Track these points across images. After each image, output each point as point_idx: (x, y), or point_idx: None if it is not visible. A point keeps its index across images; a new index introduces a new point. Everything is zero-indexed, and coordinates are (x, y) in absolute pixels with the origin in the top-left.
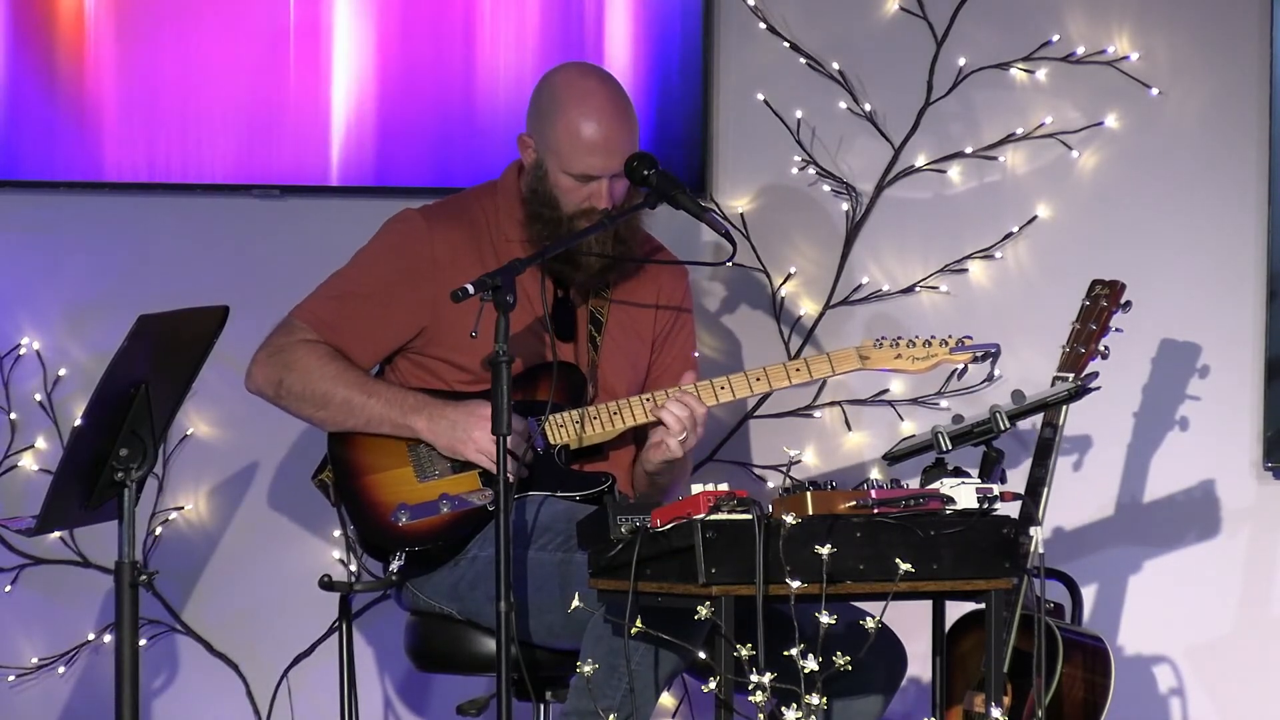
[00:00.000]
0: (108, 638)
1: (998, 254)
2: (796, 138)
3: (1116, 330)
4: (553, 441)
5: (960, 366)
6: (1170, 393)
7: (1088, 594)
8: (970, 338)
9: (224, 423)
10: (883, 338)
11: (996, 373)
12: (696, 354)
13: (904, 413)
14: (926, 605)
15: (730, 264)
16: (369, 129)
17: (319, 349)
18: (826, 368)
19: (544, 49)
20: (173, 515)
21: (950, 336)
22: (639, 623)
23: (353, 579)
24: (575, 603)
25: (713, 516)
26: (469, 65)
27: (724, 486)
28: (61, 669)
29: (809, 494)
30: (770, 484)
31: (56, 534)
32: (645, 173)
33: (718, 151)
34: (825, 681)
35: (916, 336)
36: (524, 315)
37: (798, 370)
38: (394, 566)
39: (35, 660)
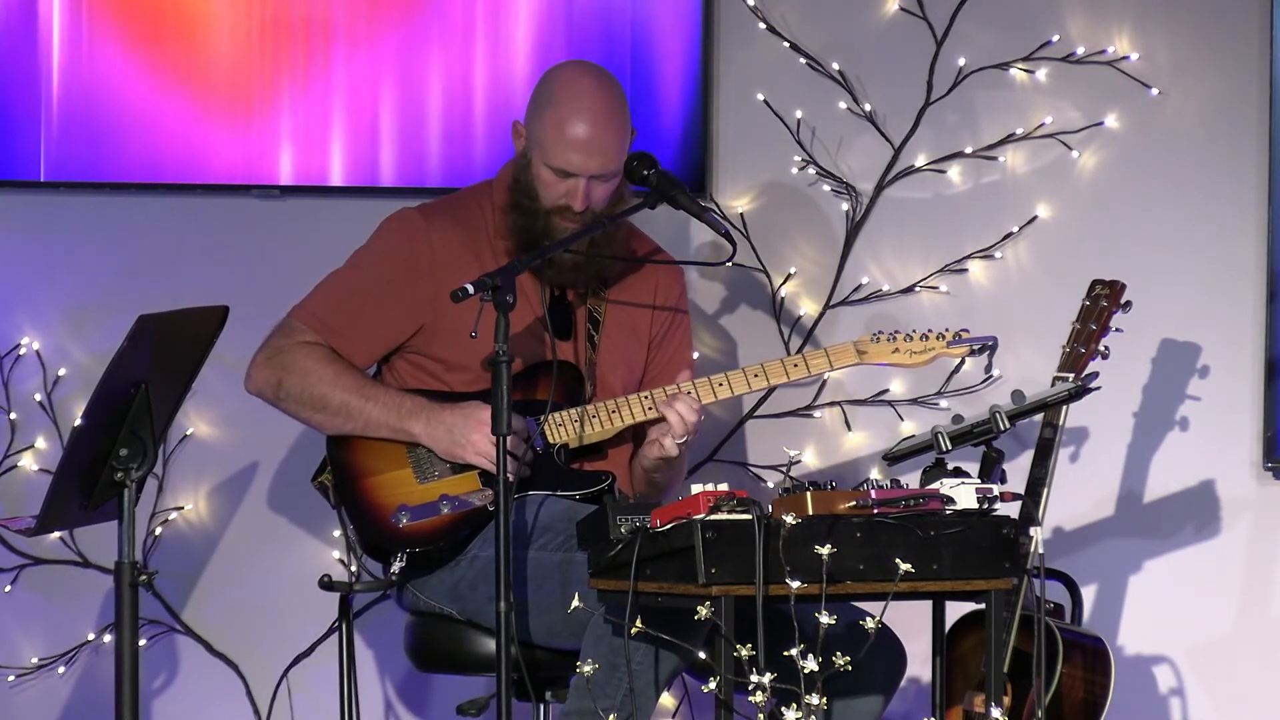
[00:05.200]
0: (108, 638)
1: (998, 254)
2: (796, 138)
3: (1116, 330)
4: (552, 441)
5: (959, 361)
6: (1170, 393)
7: (1088, 594)
8: (967, 330)
9: (224, 423)
10: (880, 332)
11: (996, 371)
12: (695, 355)
13: (904, 413)
14: (926, 605)
15: (730, 264)
16: (369, 129)
17: (317, 351)
18: (825, 363)
19: (545, 49)
20: (173, 515)
21: (948, 330)
22: (639, 623)
23: (353, 579)
24: (575, 603)
25: (713, 516)
26: (470, 65)
27: (724, 486)
28: (61, 669)
29: (809, 494)
30: (770, 484)
31: (56, 534)
32: (645, 172)
33: (718, 151)
34: (825, 681)
35: (914, 330)
36: (522, 314)
37: (796, 366)
38: (395, 568)
39: (35, 660)
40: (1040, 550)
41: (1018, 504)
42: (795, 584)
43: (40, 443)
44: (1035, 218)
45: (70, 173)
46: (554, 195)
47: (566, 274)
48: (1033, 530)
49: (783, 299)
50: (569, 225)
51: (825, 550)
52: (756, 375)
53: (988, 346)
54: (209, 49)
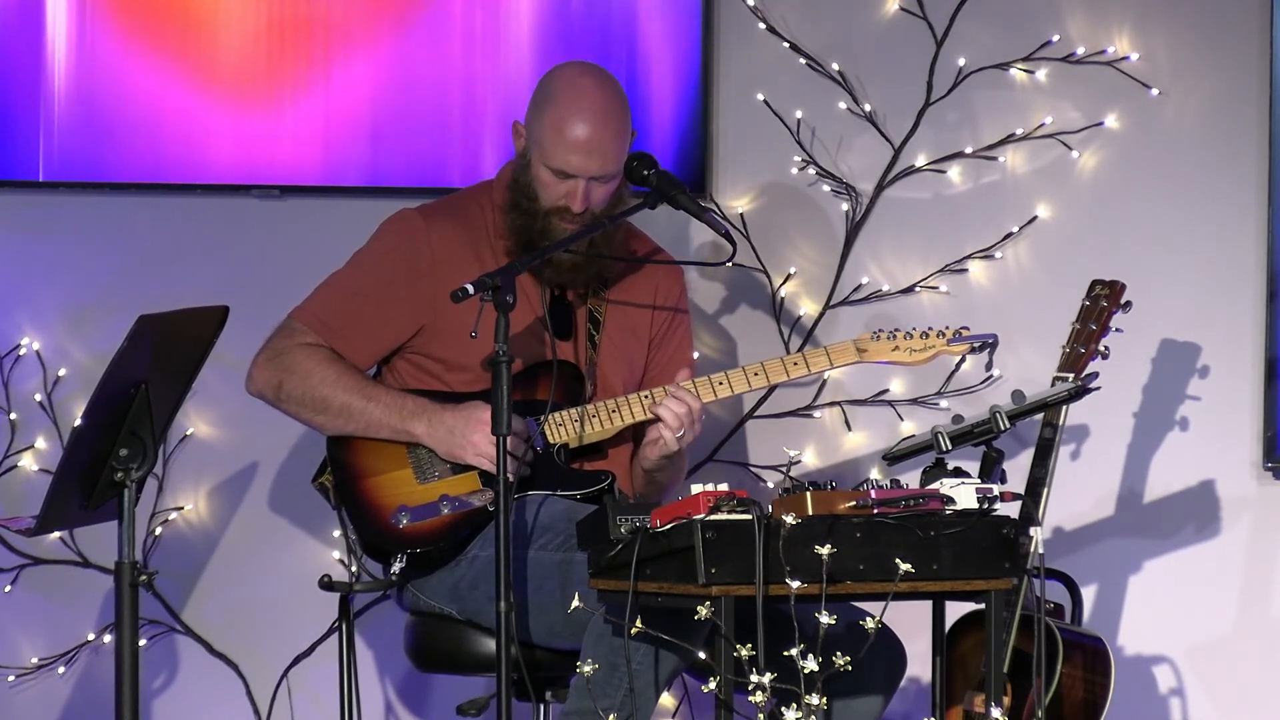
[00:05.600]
0: (108, 638)
1: (998, 254)
2: (796, 138)
3: (1116, 330)
4: (552, 441)
5: (959, 360)
6: (1170, 393)
7: (1088, 594)
8: (967, 328)
9: (224, 423)
10: (880, 330)
11: (996, 371)
12: (696, 354)
13: (904, 413)
14: (926, 605)
15: (730, 264)
16: (369, 129)
17: (318, 352)
18: (825, 361)
19: (543, 49)
20: (173, 515)
21: (948, 328)
22: (639, 623)
23: (353, 579)
24: (575, 603)
25: (713, 516)
26: (468, 65)
27: (724, 486)
28: (61, 669)
29: (809, 494)
30: (770, 484)
31: (56, 534)
32: (645, 173)
33: (718, 151)
34: (825, 681)
35: (914, 329)
36: (522, 314)
37: (795, 365)
38: (395, 568)
39: (35, 660)
40: (1040, 550)
41: (1018, 504)
42: (795, 584)
43: (40, 443)
44: (1035, 218)
45: (70, 173)
46: (553, 196)
47: (566, 274)
48: (1033, 530)
49: (783, 299)
50: (568, 226)
51: (825, 550)
52: (756, 374)
53: (988, 344)
54: (210, 49)
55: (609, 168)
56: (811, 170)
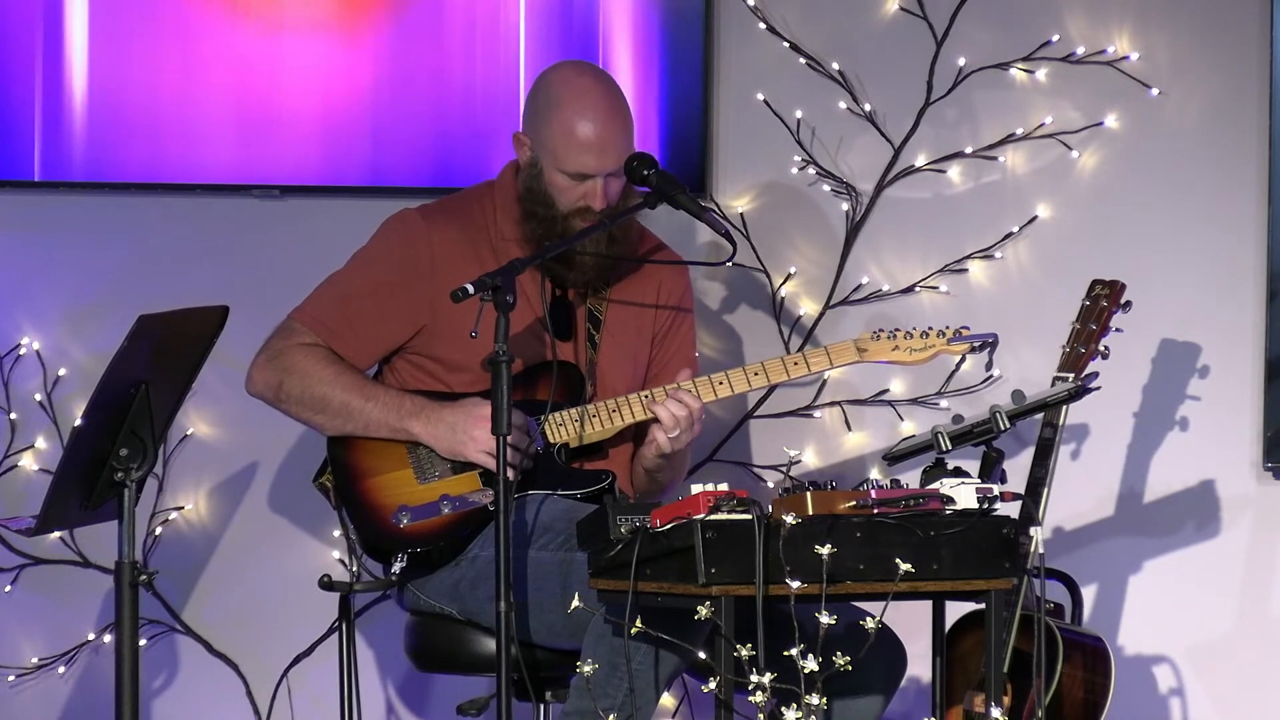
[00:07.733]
0: (108, 638)
1: (998, 254)
2: (796, 138)
3: (1116, 330)
4: (552, 440)
5: (959, 360)
6: (1170, 393)
7: (1088, 594)
8: (967, 328)
9: (224, 423)
10: (880, 330)
11: (996, 371)
12: (697, 353)
13: (904, 413)
14: (926, 605)
15: (730, 264)
16: (369, 129)
17: (317, 352)
18: (825, 361)
19: (544, 48)
20: (173, 515)
21: (948, 327)
22: (639, 623)
23: (353, 579)
24: (575, 603)
25: (713, 516)
26: (469, 65)
27: (724, 486)
28: (61, 669)
29: (809, 494)
30: (770, 484)
31: (56, 534)
32: (645, 173)
33: (718, 151)
34: (825, 681)
35: (914, 328)
36: (522, 314)
37: (795, 364)
38: (396, 568)
39: (35, 660)
40: (1040, 550)
41: (1018, 504)
42: (795, 584)
43: (40, 443)
44: (1035, 218)
45: (70, 173)
46: (571, 199)
47: (591, 277)
48: (1033, 530)
49: (783, 299)
50: (587, 226)
51: (825, 550)
52: (756, 374)
53: (988, 343)
54: (209, 48)
55: (622, 161)
56: (811, 170)
